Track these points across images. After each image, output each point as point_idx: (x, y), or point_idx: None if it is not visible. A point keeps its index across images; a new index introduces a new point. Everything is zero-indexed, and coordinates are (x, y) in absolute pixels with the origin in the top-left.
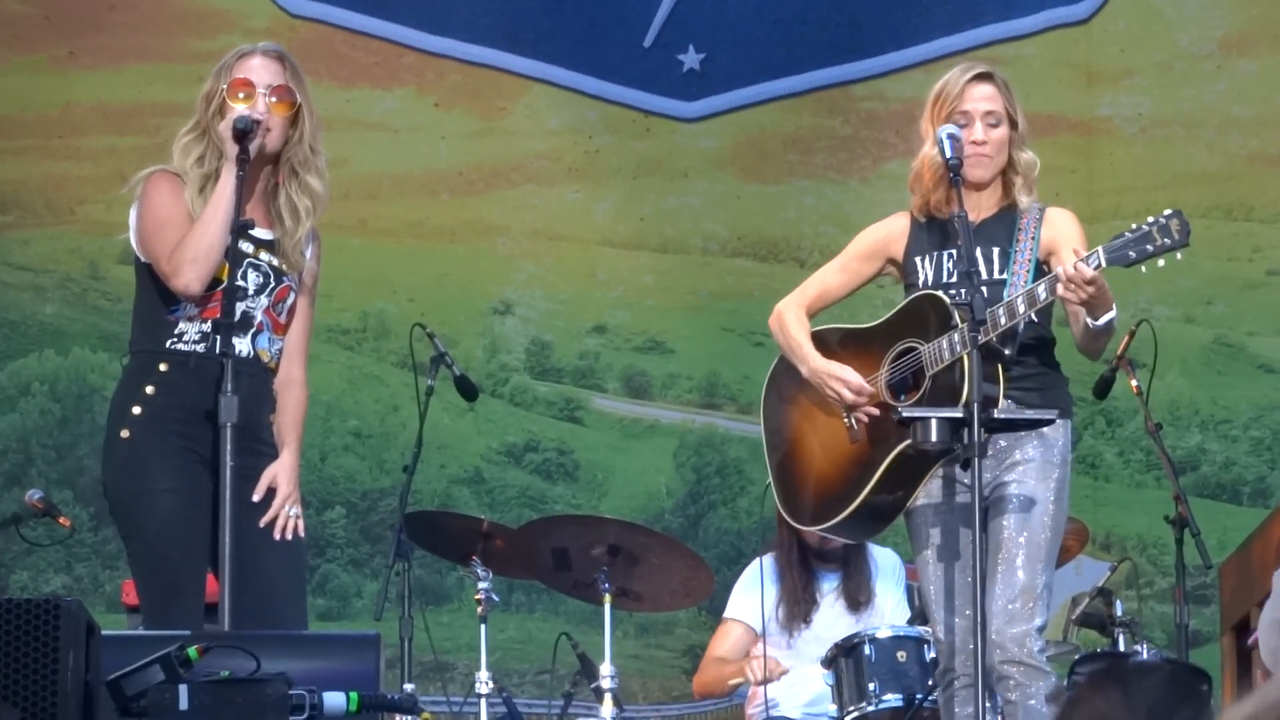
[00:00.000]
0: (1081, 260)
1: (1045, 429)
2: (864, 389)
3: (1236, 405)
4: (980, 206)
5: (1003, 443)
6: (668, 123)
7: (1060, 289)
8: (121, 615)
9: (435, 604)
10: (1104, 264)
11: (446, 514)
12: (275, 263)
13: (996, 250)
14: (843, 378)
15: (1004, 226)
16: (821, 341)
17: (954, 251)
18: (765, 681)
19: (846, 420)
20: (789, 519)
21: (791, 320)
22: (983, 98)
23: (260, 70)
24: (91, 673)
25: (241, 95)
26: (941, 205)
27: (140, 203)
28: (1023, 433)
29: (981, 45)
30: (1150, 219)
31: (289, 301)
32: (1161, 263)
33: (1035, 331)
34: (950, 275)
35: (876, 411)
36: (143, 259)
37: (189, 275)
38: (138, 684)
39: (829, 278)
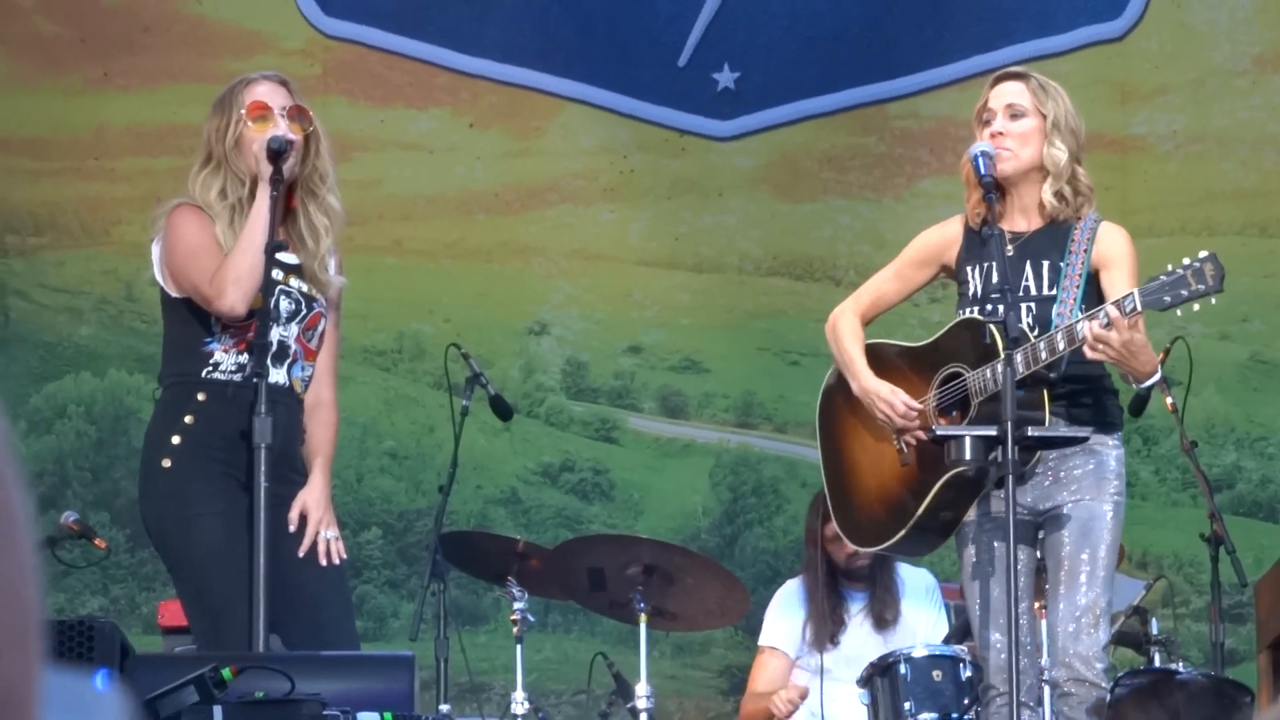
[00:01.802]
0: (1116, 302)
1: (1096, 444)
2: (911, 413)
3: (1273, 423)
4: (1030, 216)
5: (1054, 460)
6: (702, 142)
7: (1086, 351)
8: (158, 637)
9: (471, 624)
10: (1139, 308)
11: (482, 534)
12: (305, 289)
13: (1046, 264)
14: (890, 400)
15: (1056, 239)
16: (875, 356)
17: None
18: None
19: (896, 442)
20: (842, 536)
21: (846, 331)
22: (1006, 93)
23: (272, 94)
24: (126, 693)
25: (259, 118)
26: (974, 211)
27: (166, 235)
28: (1073, 449)
29: (1015, 63)
30: (1186, 261)
31: (320, 328)
32: (1196, 307)
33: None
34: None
35: (925, 435)
36: (173, 293)
37: (233, 296)
38: (172, 705)
39: (884, 284)
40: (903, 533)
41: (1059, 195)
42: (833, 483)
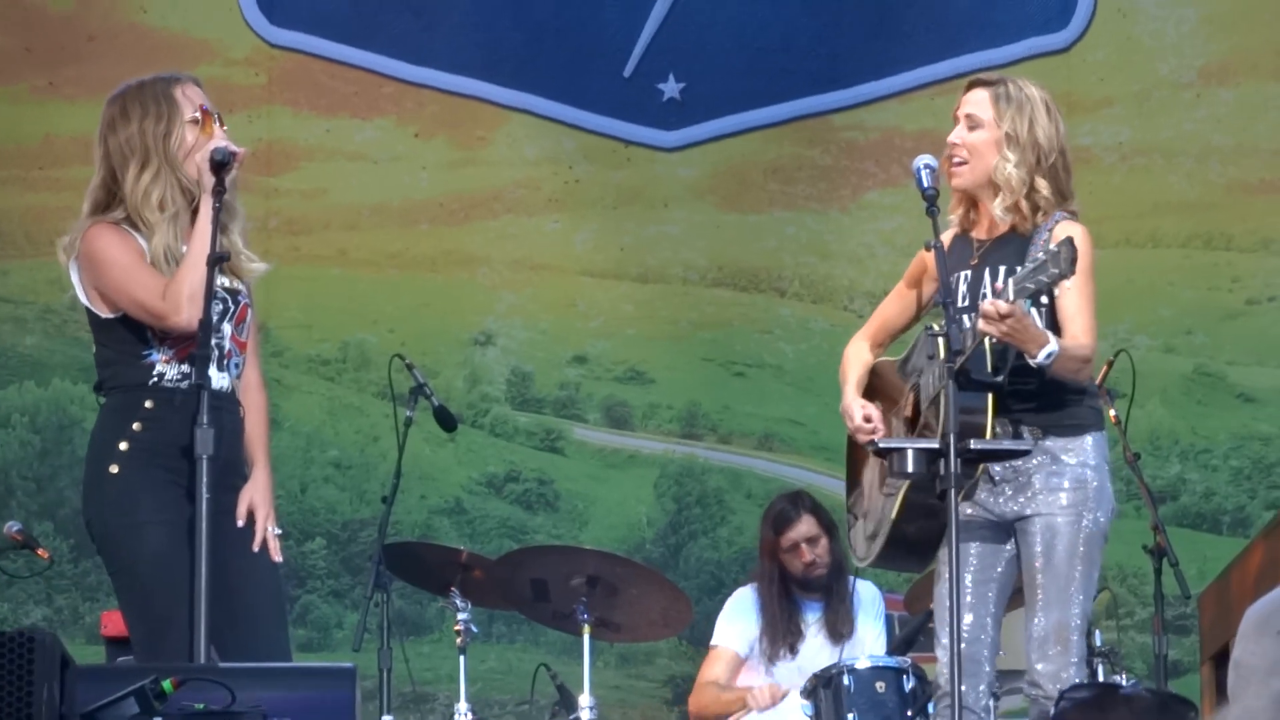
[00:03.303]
0: (998, 292)
1: (1058, 449)
2: (870, 429)
3: (1216, 435)
4: (995, 224)
5: (1016, 467)
6: (647, 152)
7: (980, 324)
8: (102, 646)
9: (415, 635)
10: (1012, 296)
11: (425, 545)
12: (227, 283)
13: (1004, 269)
14: (853, 417)
15: (1017, 245)
16: (880, 373)
17: (968, 273)
18: (770, 705)
19: None
20: (851, 552)
21: (850, 355)
22: (968, 101)
23: (204, 98)
24: (66, 706)
25: (207, 126)
26: (964, 221)
27: (90, 257)
28: (1039, 455)
29: (962, 74)
30: (1053, 247)
31: (248, 320)
32: (1057, 290)
33: None
34: (964, 298)
35: (869, 449)
36: (104, 314)
37: (190, 311)
38: (112, 717)
39: (887, 307)
40: (882, 543)
41: (1013, 209)
42: (850, 502)
